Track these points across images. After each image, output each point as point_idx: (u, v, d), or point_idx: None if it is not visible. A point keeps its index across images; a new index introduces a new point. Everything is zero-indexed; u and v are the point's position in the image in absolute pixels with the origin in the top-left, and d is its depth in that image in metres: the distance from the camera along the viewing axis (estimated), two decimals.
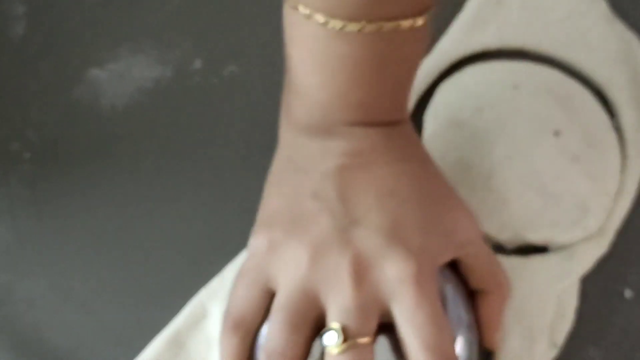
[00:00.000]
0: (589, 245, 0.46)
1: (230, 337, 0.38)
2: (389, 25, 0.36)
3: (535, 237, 0.45)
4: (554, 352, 0.44)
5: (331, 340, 0.35)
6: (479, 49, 0.50)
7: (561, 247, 0.46)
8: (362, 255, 0.36)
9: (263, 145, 0.49)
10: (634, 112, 0.48)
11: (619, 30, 0.50)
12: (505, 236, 0.45)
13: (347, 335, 0.35)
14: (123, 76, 0.50)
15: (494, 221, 0.45)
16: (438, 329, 0.35)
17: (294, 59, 0.40)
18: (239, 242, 0.46)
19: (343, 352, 0.35)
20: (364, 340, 0.35)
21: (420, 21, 0.37)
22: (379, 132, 0.39)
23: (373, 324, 0.36)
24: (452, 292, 0.39)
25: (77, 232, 0.47)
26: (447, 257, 0.39)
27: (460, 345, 0.39)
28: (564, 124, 0.47)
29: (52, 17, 0.52)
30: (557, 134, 0.47)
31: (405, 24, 0.36)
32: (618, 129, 0.48)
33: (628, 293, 0.45)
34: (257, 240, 0.38)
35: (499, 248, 0.46)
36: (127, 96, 0.50)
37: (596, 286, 0.45)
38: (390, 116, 0.40)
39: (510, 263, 0.45)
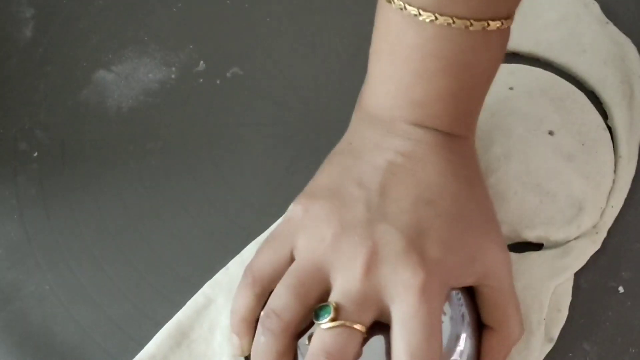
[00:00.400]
0: (583, 243, 0.46)
1: (246, 291, 0.39)
2: (459, 22, 0.37)
3: (531, 234, 0.46)
4: (550, 347, 0.44)
5: (323, 315, 0.36)
6: None
7: (556, 244, 0.46)
8: (380, 249, 0.36)
9: (266, 144, 0.50)
10: (626, 112, 0.49)
11: (612, 32, 0.51)
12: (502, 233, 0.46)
13: (339, 315, 0.35)
14: (129, 78, 0.51)
15: None
16: (427, 340, 0.35)
17: (372, 45, 0.41)
18: (242, 239, 0.46)
19: (330, 329, 0.35)
20: (355, 326, 0.35)
21: (492, 26, 0.38)
22: (437, 139, 0.40)
23: (368, 316, 0.36)
24: (460, 302, 0.39)
25: (83, 229, 0.47)
26: (463, 281, 0.39)
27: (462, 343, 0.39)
28: (558, 124, 0.47)
29: (59, 20, 0.52)
30: (551, 133, 0.47)
31: (477, 25, 0.37)
32: (611, 129, 0.49)
33: (621, 289, 0.46)
34: (296, 208, 0.39)
35: None
36: (132, 97, 0.51)
37: (590, 282, 0.46)
38: (452, 127, 0.40)
39: None
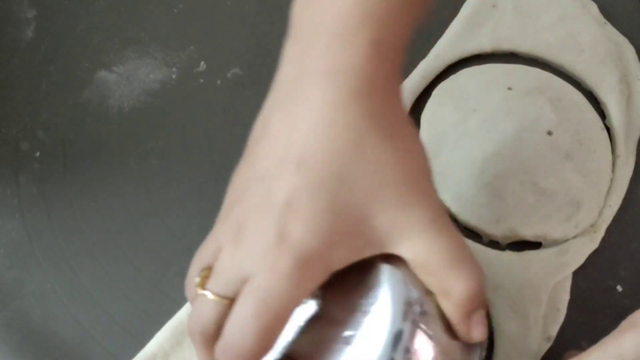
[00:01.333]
0: (581, 241, 0.46)
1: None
2: None
3: (528, 232, 0.46)
4: (548, 345, 0.44)
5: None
6: (474, 52, 0.51)
7: (554, 243, 0.46)
8: (245, 226, 0.34)
9: None
10: (624, 112, 0.49)
11: (610, 32, 0.51)
12: (499, 231, 0.46)
13: (206, 285, 0.34)
14: (130, 78, 0.51)
15: (489, 217, 0.46)
16: (256, 312, 0.32)
17: None
18: None
19: (197, 296, 0.34)
20: (210, 295, 0.34)
21: None
22: (349, 63, 0.33)
23: (229, 288, 0.33)
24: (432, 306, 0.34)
25: (84, 228, 0.47)
26: (348, 258, 0.33)
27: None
28: (556, 124, 0.48)
29: (60, 21, 0.53)
30: (550, 133, 0.48)
31: None
32: (609, 128, 0.49)
33: (619, 288, 0.46)
34: None
35: (494, 243, 0.47)
36: (134, 97, 0.51)
37: (588, 281, 0.46)
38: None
39: (504, 258, 0.46)
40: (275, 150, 0.34)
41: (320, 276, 0.33)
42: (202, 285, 0.34)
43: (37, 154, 0.49)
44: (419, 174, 0.35)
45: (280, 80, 0.35)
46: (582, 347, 0.45)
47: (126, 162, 0.49)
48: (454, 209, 0.47)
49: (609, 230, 0.47)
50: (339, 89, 0.33)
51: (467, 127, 0.48)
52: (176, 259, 0.47)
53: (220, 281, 0.34)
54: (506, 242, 0.47)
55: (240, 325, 0.33)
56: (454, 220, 0.47)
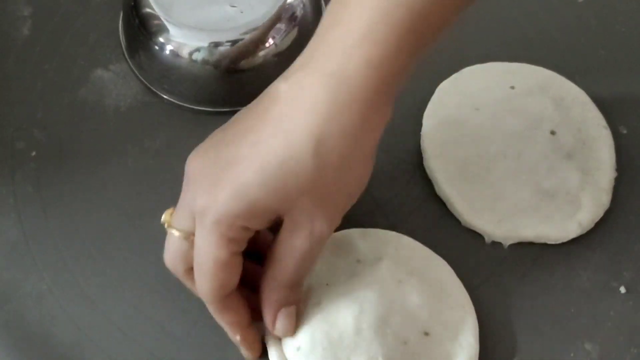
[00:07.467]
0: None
1: None
2: None
3: (530, 233, 0.46)
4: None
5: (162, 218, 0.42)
6: None
7: (556, 242, 0.46)
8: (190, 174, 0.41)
9: None
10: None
11: None
12: (501, 231, 0.46)
13: (167, 222, 0.42)
14: (127, 76, 0.51)
15: (490, 216, 0.46)
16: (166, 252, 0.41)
17: None
18: None
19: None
20: (172, 230, 0.41)
21: None
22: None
23: (184, 223, 0.40)
24: None
25: (81, 228, 0.47)
26: (237, 219, 0.39)
27: None
28: (558, 122, 0.48)
29: (57, 18, 0.53)
30: (553, 133, 0.47)
31: None
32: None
33: (622, 289, 0.46)
34: None
35: (497, 244, 0.46)
36: (130, 96, 0.51)
37: (592, 282, 0.46)
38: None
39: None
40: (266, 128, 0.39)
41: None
42: (168, 224, 0.41)
43: (33, 153, 0.49)
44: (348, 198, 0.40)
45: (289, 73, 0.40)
46: (585, 351, 0.44)
47: (123, 161, 0.49)
48: (456, 209, 0.47)
49: (612, 231, 0.47)
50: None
51: (469, 126, 0.48)
52: None
53: (178, 217, 0.41)
54: (508, 243, 0.46)
55: (199, 263, 0.40)
56: (456, 220, 0.47)
